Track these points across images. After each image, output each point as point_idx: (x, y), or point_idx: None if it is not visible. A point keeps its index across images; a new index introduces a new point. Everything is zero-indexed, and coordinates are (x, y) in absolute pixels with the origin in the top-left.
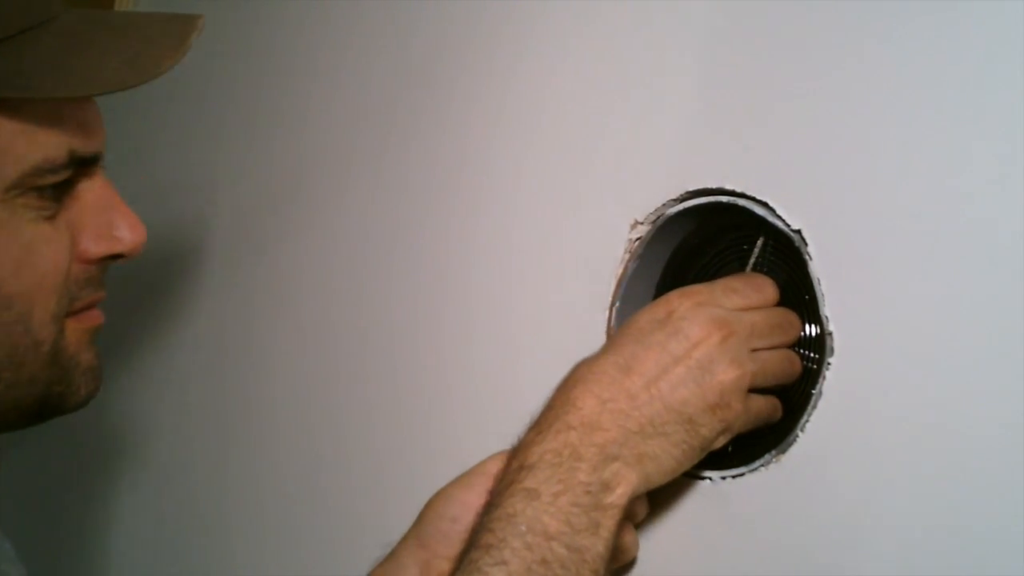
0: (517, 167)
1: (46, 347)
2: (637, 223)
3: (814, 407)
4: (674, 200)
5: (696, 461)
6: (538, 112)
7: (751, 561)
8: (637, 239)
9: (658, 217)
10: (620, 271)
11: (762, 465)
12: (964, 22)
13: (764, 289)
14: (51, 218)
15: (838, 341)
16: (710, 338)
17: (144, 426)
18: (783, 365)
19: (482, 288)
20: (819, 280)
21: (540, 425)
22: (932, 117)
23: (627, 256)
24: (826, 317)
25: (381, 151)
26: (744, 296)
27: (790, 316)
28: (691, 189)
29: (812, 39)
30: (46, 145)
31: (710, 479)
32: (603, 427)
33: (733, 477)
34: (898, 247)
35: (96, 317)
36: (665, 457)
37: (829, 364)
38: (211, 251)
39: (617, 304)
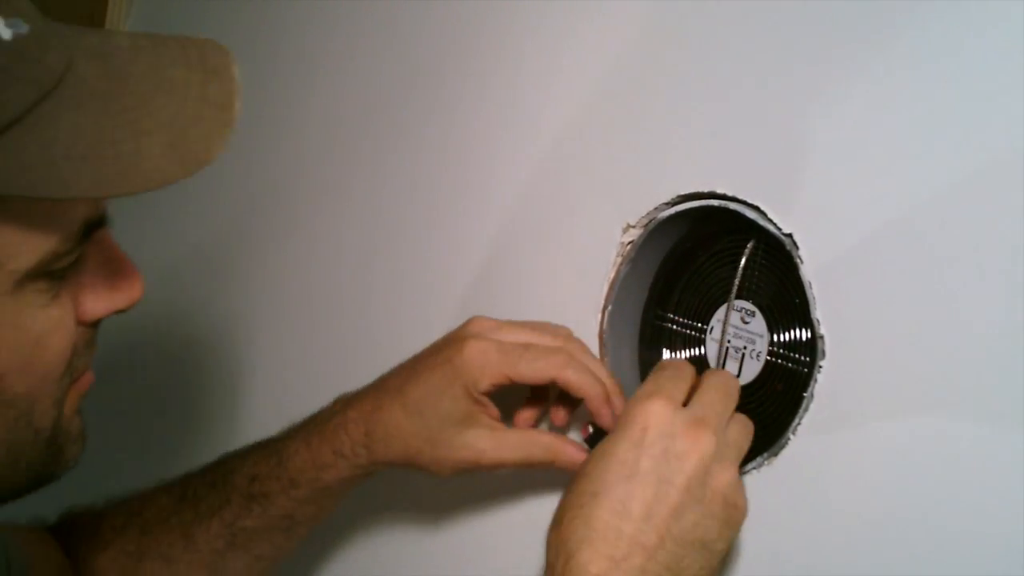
0: (508, 171)
1: (45, 434)
2: (629, 226)
3: (805, 410)
4: (666, 204)
5: None
6: (529, 115)
7: (743, 563)
8: (629, 242)
9: (650, 221)
10: (612, 274)
11: (754, 468)
12: (957, 28)
13: (687, 368)
14: (56, 296)
15: (829, 344)
16: (696, 446)
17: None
18: (746, 433)
19: (474, 291)
20: (810, 284)
21: None
22: (924, 122)
23: (619, 259)
24: (817, 320)
25: (373, 154)
26: (685, 379)
27: (726, 378)
28: (683, 193)
29: (803, 43)
30: (62, 225)
31: None
32: None
33: None
34: (889, 251)
35: (88, 379)
36: None
37: (820, 367)
38: (210, 253)
39: (609, 307)
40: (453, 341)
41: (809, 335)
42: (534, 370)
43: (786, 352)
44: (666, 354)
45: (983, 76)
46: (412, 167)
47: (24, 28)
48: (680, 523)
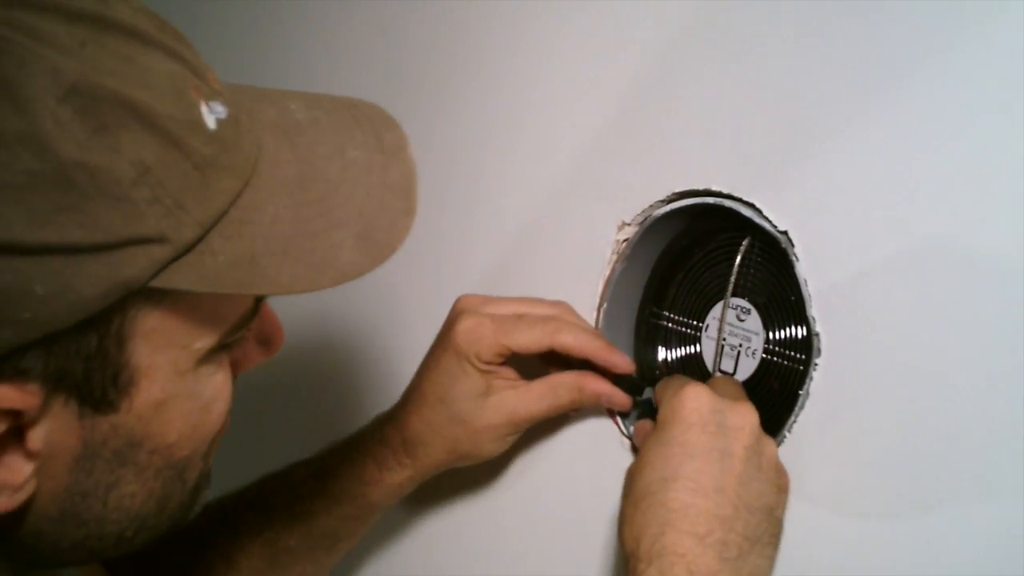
0: (503, 169)
1: (190, 485)
2: (624, 224)
3: (801, 408)
4: (661, 201)
5: (779, 544)
6: (524, 113)
7: None
8: (624, 240)
9: (645, 218)
10: (607, 272)
11: None
12: (953, 27)
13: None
14: (222, 363)
15: (824, 342)
16: (746, 417)
17: None
18: None
19: (469, 289)
20: (806, 281)
21: None
22: (919, 121)
23: (614, 257)
24: (813, 318)
25: None
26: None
27: (733, 380)
28: (678, 190)
29: (799, 41)
30: (245, 303)
31: None
32: (710, 569)
33: None
34: (884, 249)
35: (227, 425)
36: (764, 562)
37: (816, 365)
38: None
39: (605, 305)
40: (446, 324)
41: (805, 333)
42: (530, 338)
43: (782, 350)
44: (662, 352)
45: (981, 76)
46: None
47: (223, 112)
48: (748, 491)
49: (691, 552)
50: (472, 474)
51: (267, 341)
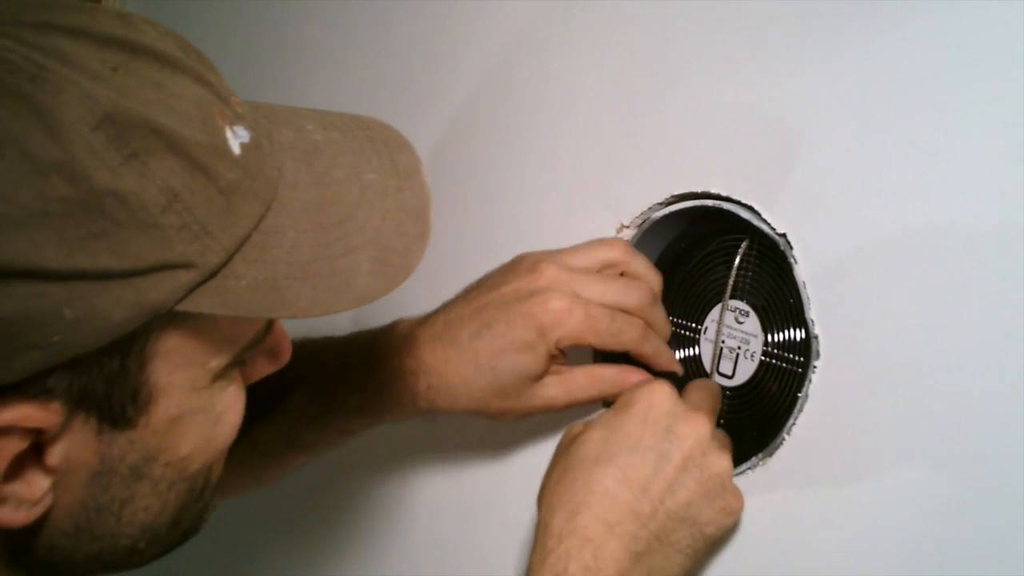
0: (503, 173)
1: (198, 493)
2: (623, 227)
3: (800, 410)
4: (660, 204)
5: (702, 561)
6: (523, 117)
7: (736, 564)
8: None
9: (644, 221)
10: None
11: (748, 468)
12: (948, 28)
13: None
14: (235, 377)
15: (823, 345)
16: (695, 429)
17: None
18: (727, 441)
19: None
20: (804, 284)
21: (544, 552)
22: (917, 123)
23: None
24: (811, 321)
25: None
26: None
27: (711, 384)
28: (677, 193)
29: (796, 43)
30: (257, 324)
31: None
32: (615, 557)
33: None
34: (883, 251)
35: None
36: (670, 566)
37: (815, 368)
38: None
39: None
40: (531, 294)
41: (803, 335)
42: (618, 343)
43: (780, 352)
44: None
45: (978, 75)
46: None
47: (246, 137)
48: (674, 498)
49: (599, 538)
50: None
51: (275, 353)
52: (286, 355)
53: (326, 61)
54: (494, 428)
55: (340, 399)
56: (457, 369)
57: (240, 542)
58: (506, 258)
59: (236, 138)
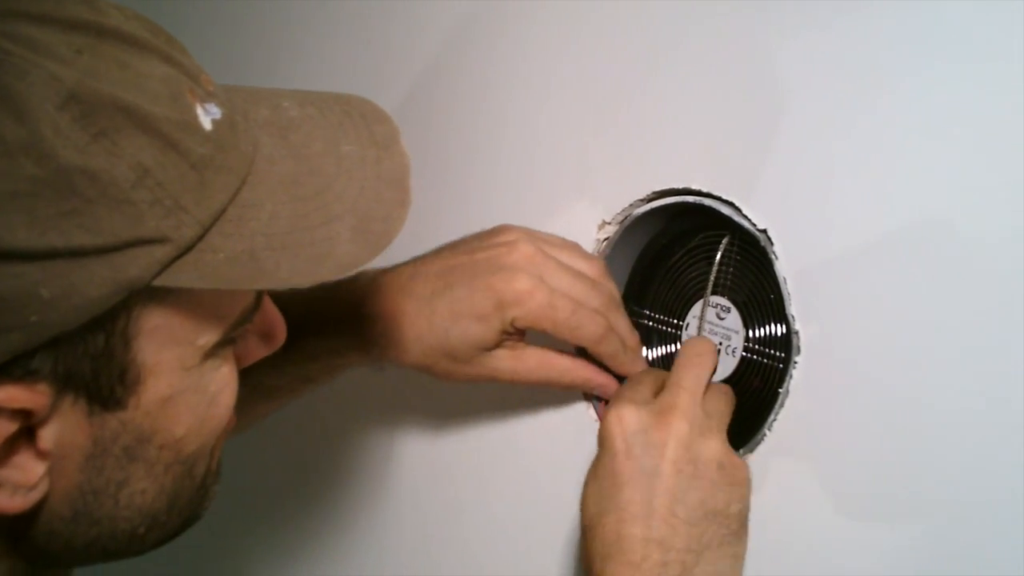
0: (484, 169)
1: (198, 480)
2: (605, 223)
3: (781, 406)
4: (641, 200)
5: (746, 535)
6: (504, 113)
7: None
8: (605, 239)
9: (625, 217)
10: None
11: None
12: (926, 24)
13: (649, 372)
14: (227, 356)
15: (804, 340)
16: (669, 431)
17: None
18: (724, 399)
19: None
20: (785, 279)
21: None
22: (896, 118)
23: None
24: (792, 316)
25: None
26: (646, 380)
27: (697, 348)
28: (658, 189)
29: (776, 40)
30: (245, 300)
31: None
32: None
33: None
34: (863, 246)
35: (233, 420)
36: (721, 563)
37: (796, 363)
38: None
39: None
40: (500, 270)
41: (784, 331)
42: (574, 336)
43: (762, 348)
44: (643, 351)
45: (956, 75)
46: None
47: (218, 113)
48: (685, 505)
49: None
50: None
51: (268, 335)
52: (280, 337)
53: (306, 53)
54: (479, 418)
55: (300, 342)
56: (412, 322)
57: (223, 530)
58: None
59: (207, 115)
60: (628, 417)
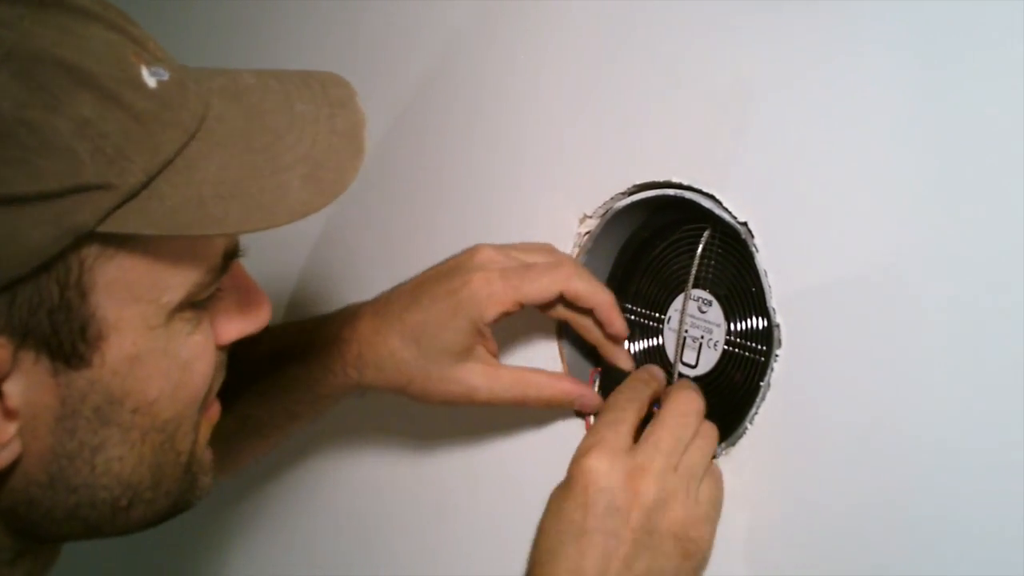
0: (464, 162)
1: (184, 457)
2: (586, 217)
3: (762, 399)
4: (622, 193)
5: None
6: (485, 106)
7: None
8: (586, 233)
9: (607, 211)
10: None
11: (712, 457)
12: (913, 22)
13: (635, 400)
14: (199, 323)
15: (785, 333)
16: (636, 497)
17: None
18: (708, 450)
19: None
20: (766, 272)
21: None
22: (881, 111)
23: (576, 250)
24: (773, 309)
25: None
26: (629, 418)
27: (684, 401)
28: (639, 182)
29: (757, 34)
30: (207, 259)
31: None
32: None
33: None
34: (844, 239)
35: (217, 410)
36: None
37: (776, 356)
38: None
39: None
40: (458, 272)
41: (765, 324)
42: (540, 287)
43: (743, 341)
44: (624, 345)
45: (941, 72)
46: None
47: (165, 75)
48: (633, 571)
49: None
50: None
51: (246, 307)
52: (261, 313)
53: (286, 47)
54: (470, 423)
55: (283, 371)
56: (385, 339)
57: (212, 532)
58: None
59: (153, 76)
60: (599, 471)
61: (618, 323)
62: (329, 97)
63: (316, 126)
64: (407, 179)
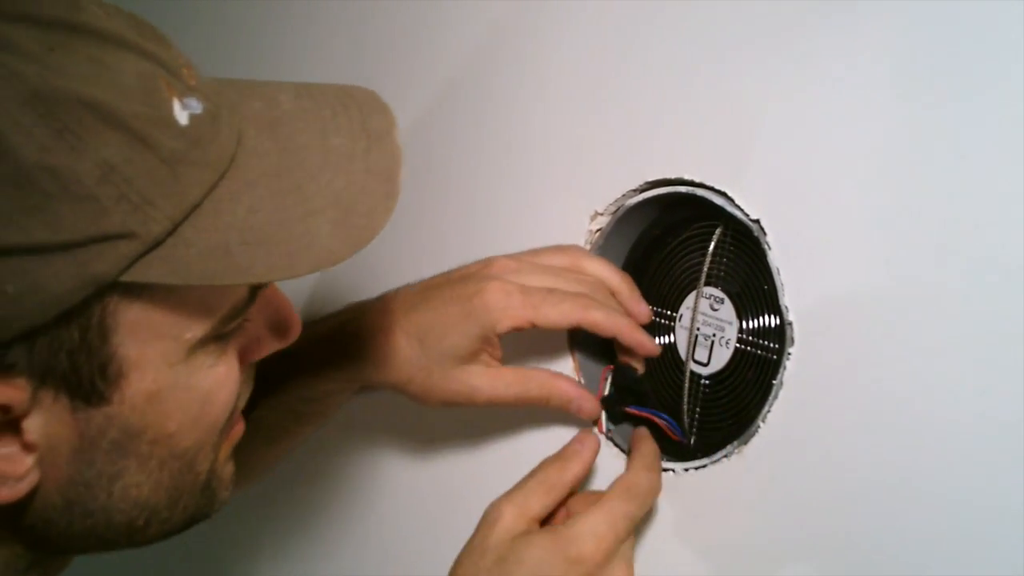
0: (476, 160)
1: (202, 477)
2: (597, 214)
3: (775, 398)
4: (634, 191)
5: None
6: (496, 105)
7: (713, 552)
8: (598, 230)
9: (618, 208)
10: None
11: (724, 456)
12: (924, 20)
13: (573, 467)
14: (223, 353)
15: (798, 331)
16: (521, 566)
17: None
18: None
19: None
20: (778, 270)
21: None
22: (890, 111)
23: (588, 248)
24: (785, 307)
25: None
26: (559, 486)
27: (625, 503)
28: (650, 179)
29: (771, 29)
30: (231, 297)
31: (672, 471)
32: None
33: (696, 469)
34: (856, 236)
35: (240, 429)
36: None
37: (789, 354)
38: None
39: None
40: (473, 280)
41: (778, 322)
42: (560, 313)
43: (755, 339)
44: None
45: (952, 70)
46: None
47: (198, 108)
48: None
49: None
50: (453, 473)
51: (281, 329)
52: (293, 331)
53: (302, 50)
54: (472, 420)
55: (287, 369)
56: (390, 337)
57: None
58: (477, 247)
59: (185, 109)
60: (502, 525)
61: (647, 343)
62: (367, 128)
63: (351, 164)
64: (419, 176)
